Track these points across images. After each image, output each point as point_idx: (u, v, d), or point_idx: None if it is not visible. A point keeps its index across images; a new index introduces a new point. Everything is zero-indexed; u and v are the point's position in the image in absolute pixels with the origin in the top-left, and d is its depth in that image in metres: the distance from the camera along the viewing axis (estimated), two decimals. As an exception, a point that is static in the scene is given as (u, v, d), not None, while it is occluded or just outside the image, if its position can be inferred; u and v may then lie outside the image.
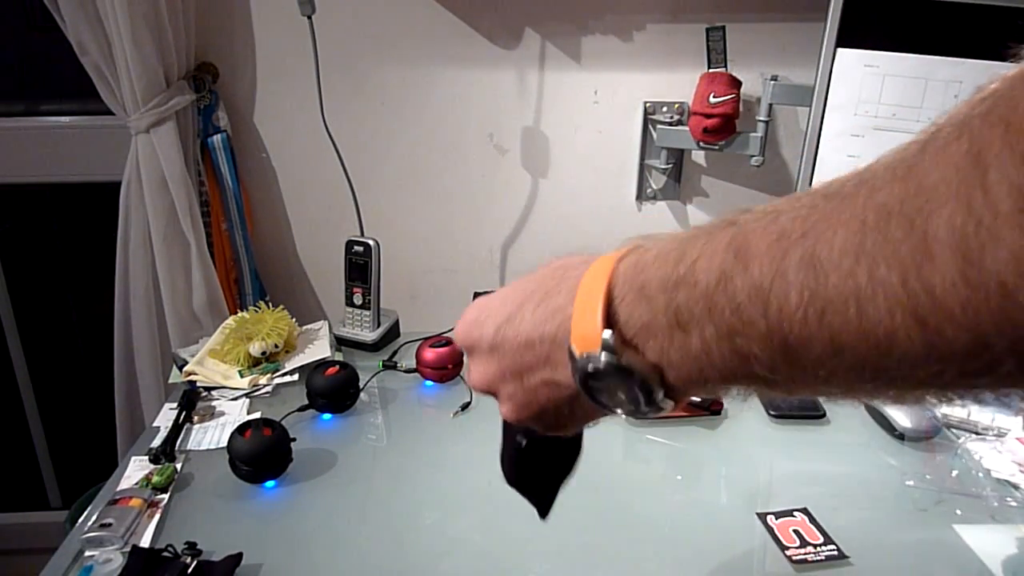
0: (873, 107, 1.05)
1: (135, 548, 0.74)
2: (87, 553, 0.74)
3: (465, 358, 0.51)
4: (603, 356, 0.33)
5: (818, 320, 0.27)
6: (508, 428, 0.49)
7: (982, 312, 0.23)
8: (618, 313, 0.33)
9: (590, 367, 0.34)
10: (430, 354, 1.07)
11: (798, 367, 0.29)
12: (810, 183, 1.10)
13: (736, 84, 1.17)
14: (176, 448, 0.91)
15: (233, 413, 1.00)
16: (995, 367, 0.24)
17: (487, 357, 0.41)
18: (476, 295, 1.12)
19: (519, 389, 0.40)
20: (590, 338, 0.33)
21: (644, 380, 0.33)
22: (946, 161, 0.24)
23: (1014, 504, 0.81)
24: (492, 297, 0.42)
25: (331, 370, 0.99)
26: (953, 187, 0.23)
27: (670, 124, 1.27)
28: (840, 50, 1.04)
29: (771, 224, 0.29)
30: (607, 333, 0.33)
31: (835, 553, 0.74)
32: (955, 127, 0.25)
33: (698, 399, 0.96)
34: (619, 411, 0.36)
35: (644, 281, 0.32)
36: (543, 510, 0.53)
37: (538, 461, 0.50)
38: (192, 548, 0.73)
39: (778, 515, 0.80)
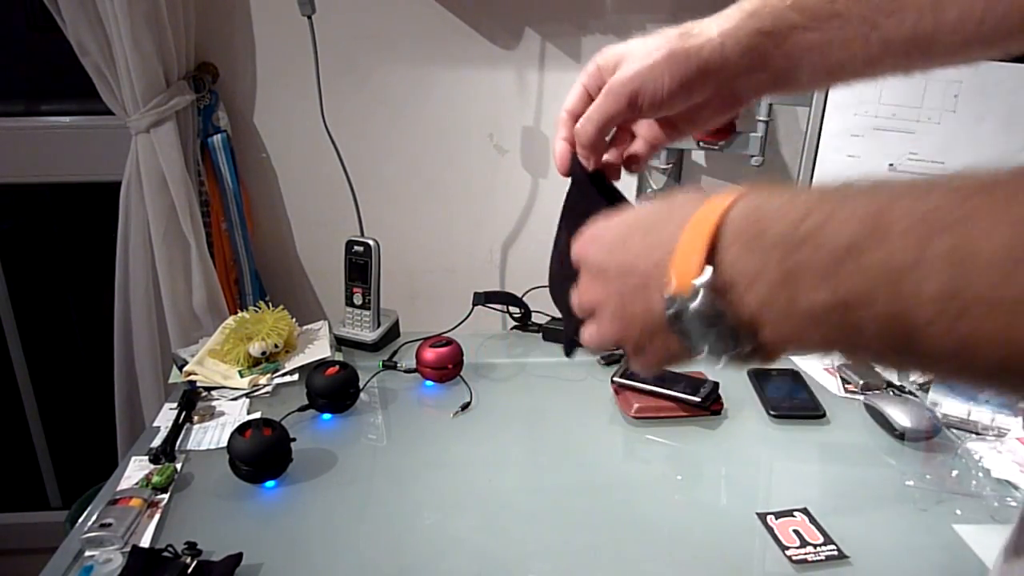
0: (873, 107, 1.05)
1: (135, 548, 0.74)
2: (87, 553, 0.74)
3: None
4: (699, 296, 0.33)
5: (955, 318, 0.25)
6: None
7: None
8: (723, 257, 0.32)
9: (683, 305, 0.33)
10: (430, 354, 1.07)
11: (913, 355, 0.28)
12: (810, 183, 1.10)
13: (736, 84, 1.17)
14: (176, 448, 0.91)
15: (233, 413, 1.00)
16: None
17: (592, 278, 0.42)
18: (477, 295, 1.12)
19: (617, 314, 0.40)
20: (688, 275, 0.33)
21: (735, 329, 0.32)
22: None
23: (1014, 504, 0.81)
24: (613, 220, 0.42)
25: (331, 370, 0.99)
26: None
27: (670, 124, 1.27)
28: (840, 50, 1.04)
29: (918, 201, 0.27)
30: (707, 273, 0.32)
31: (835, 553, 0.74)
32: None
33: (698, 399, 0.96)
34: (702, 354, 0.35)
35: (759, 231, 0.31)
36: (571, 344, 0.52)
37: None
38: (192, 548, 0.73)
39: (778, 515, 0.80)
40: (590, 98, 0.53)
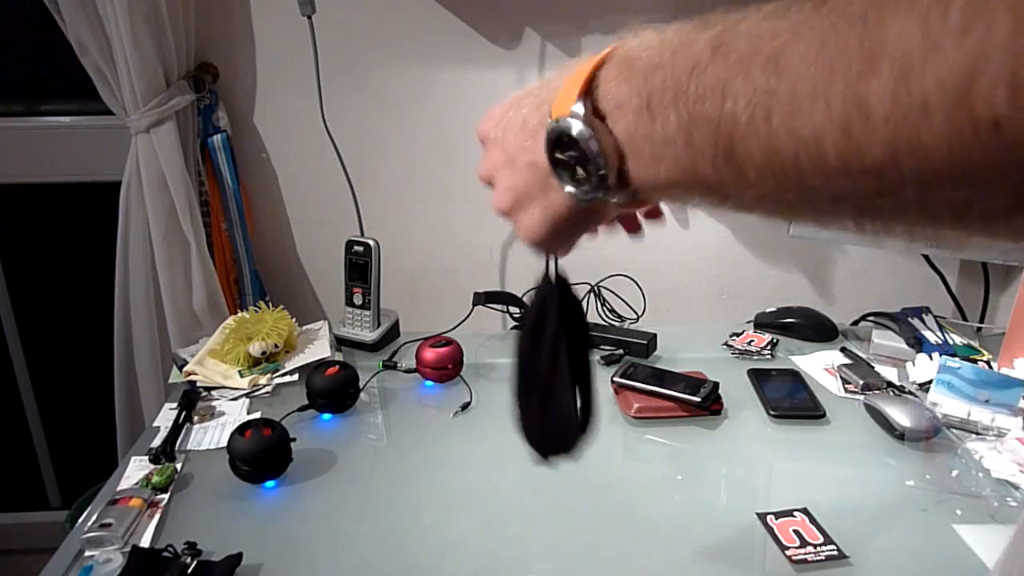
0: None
1: (135, 548, 0.74)
2: (87, 553, 0.74)
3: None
4: (571, 122, 0.34)
5: (763, 120, 0.27)
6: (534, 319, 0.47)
7: (899, 130, 0.24)
8: (598, 89, 0.34)
9: (558, 133, 0.35)
10: (430, 354, 1.07)
11: (736, 170, 0.30)
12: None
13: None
14: (176, 448, 0.91)
15: (233, 413, 1.00)
16: (898, 191, 0.25)
17: (490, 147, 0.44)
18: (477, 296, 1.11)
19: (509, 174, 0.42)
20: (565, 106, 0.35)
21: (603, 155, 0.34)
22: None
23: (1014, 504, 0.81)
24: (511, 98, 0.43)
25: (331, 370, 0.99)
26: None
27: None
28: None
29: (757, 24, 0.29)
30: (579, 103, 0.34)
31: (835, 553, 0.74)
32: None
33: (698, 399, 0.96)
34: (575, 192, 0.37)
35: (630, 62, 0.34)
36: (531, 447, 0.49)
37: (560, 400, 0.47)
38: (192, 548, 0.73)
39: (778, 515, 0.80)
40: None
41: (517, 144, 0.41)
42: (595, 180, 0.35)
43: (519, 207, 0.42)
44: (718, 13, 0.32)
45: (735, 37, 0.29)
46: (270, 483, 0.86)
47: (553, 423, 0.48)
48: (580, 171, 0.36)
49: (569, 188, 0.37)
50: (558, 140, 0.36)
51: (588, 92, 0.35)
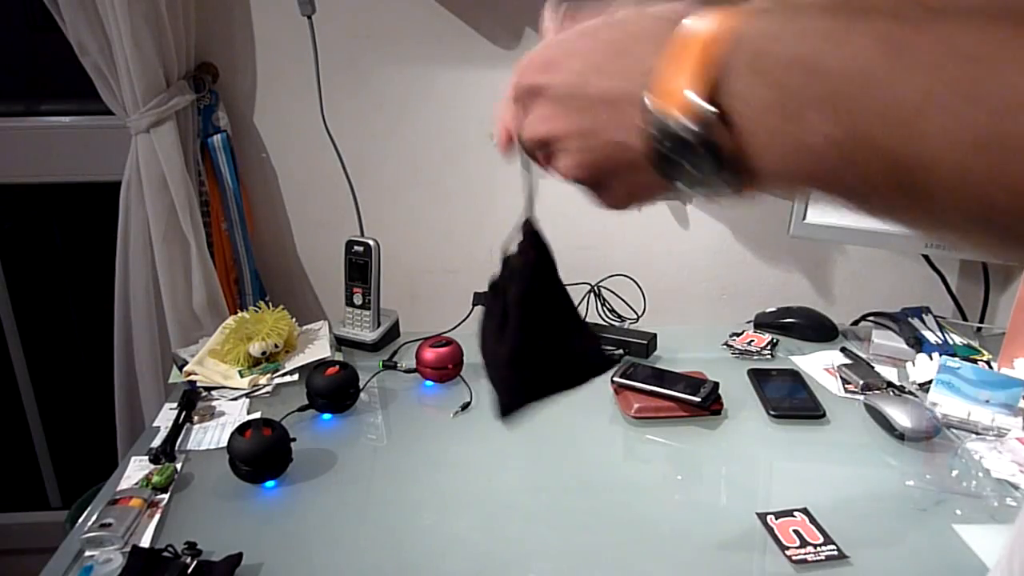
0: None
1: (135, 548, 0.74)
2: (87, 553, 0.74)
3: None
4: (687, 124, 0.29)
5: (975, 166, 0.23)
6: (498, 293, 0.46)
7: None
8: (718, 78, 0.29)
9: (669, 130, 0.30)
10: (430, 354, 1.07)
11: (909, 199, 0.26)
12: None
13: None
14: (176, 448, 0.91)
15: (233, 413, 1.00)
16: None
17: (553, 106, 0.37)
18: (477, 296, 1.11)
19: (582, 147, 0.36)
20: (678, 97, 0.29)
21: (724, 155, 0.30)
22: None
23: (1014, 504, 0.81)
24: (564, 40, 0.37)
25: (331, 370, 0.99)
26: None
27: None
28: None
29: (937, 25, 0.24)
30: (695, 96, 0.29)
31: (835, 553, 0.74)
32: None
33: (698, 399, 0.96)
34: (679, 186, 0.32)
35: (759, 51, 0.28)
36: (507, 405, 0.48)
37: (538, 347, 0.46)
38: (192, 548, 0.73)
39: (778, 515, 0.80)
40: None
41: (595, 120, 0.35)
42: (711, 182, 0.31)
43: (597, 184, 0.38)
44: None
45: (915, 41, 0.24)
46: (270, 483, 0.86)
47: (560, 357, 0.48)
48: (691, 169, 0.31)
49: (678, 184, 0.32)
50: (666, 136, 0.30)
51: (707, 81, 0.29)
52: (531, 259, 0.46)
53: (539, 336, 0.46)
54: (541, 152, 0.39)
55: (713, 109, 0.29)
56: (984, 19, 0.24)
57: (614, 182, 0.37)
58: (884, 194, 0.27)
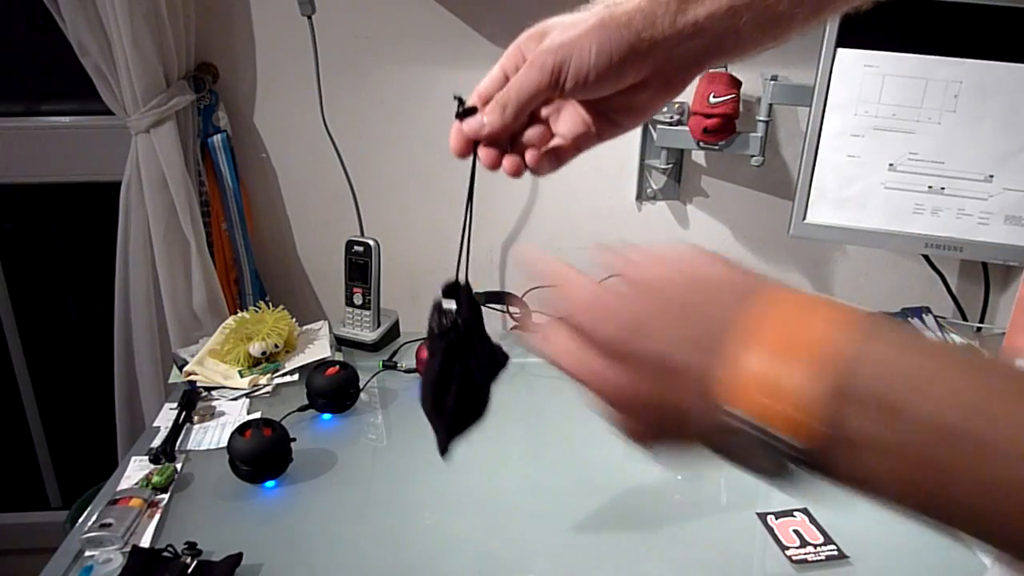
0: (873, 107, 1.05)
1: (135, 548, 0.74)
2: (87, 553, 0.74)
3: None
4: (792, 439, 0.28)
5: None
6: (447, 360, 0.50)
7: None
8: (838, 413, 0.28)
9: (758, 434, 0.29)
10: (430, 354, 1.07)
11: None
12: (810, 183, 1.10)
13: (736, 84, 1.17)
14: (176, 448, 0.91)
15: (233, 413, 1.00)
16: None
17: (638, 372, 0.34)
18: (477, 295, 1.11)
19: (658, 417, 0.35)
20: (793, 425, 0.28)
21: (815, 472, 0.29)
22: None
23: (1014, 504, 0.81)
24: (650, 302, 0.35)
25: (331, 370, 0.99)
26: None
27: (670, 124, 1.27)
28: (840, 50, 1.04)
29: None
30: (824, 434, 0.28)
31: (835, 553, 0.74)
32: None
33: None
34: (744, 467, 0.32)
35: (891, 404, 0.27)
36: (447, 445, 0.56)
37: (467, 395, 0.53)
38: (192, 548, 0.73)
39: (778, 515, 0.80)
40: (506, 81, 0.47)
41: (663, 383, 0.33)
42: (779, 474, 0.30)
43: (652, 438, 0.37)
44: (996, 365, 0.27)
45: None
46: (270, 483, 0.86)
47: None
48: (761, 462, 0.30)
49: (733, 463, 0.32)
50: (749, 437, 0.29)
51: (823, 398, 0.27)
52: (465, 321, 0.51)
53: (463, 384, 0.52)
54: (611, 407, 0.37)
55: (820, 430, 0.27)
56: None
57: (666, 439, 0.36)
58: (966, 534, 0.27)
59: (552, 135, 0.50)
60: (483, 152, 0.49)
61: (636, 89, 0.45)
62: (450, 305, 0.51)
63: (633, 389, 0.35)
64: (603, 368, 0.35)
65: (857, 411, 0.27)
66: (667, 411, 0.34)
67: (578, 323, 0.36)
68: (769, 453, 0.29)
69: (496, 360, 0.53)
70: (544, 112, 0.49)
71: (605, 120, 0.48)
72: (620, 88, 0.45)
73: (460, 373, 0.51)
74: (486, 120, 0.47)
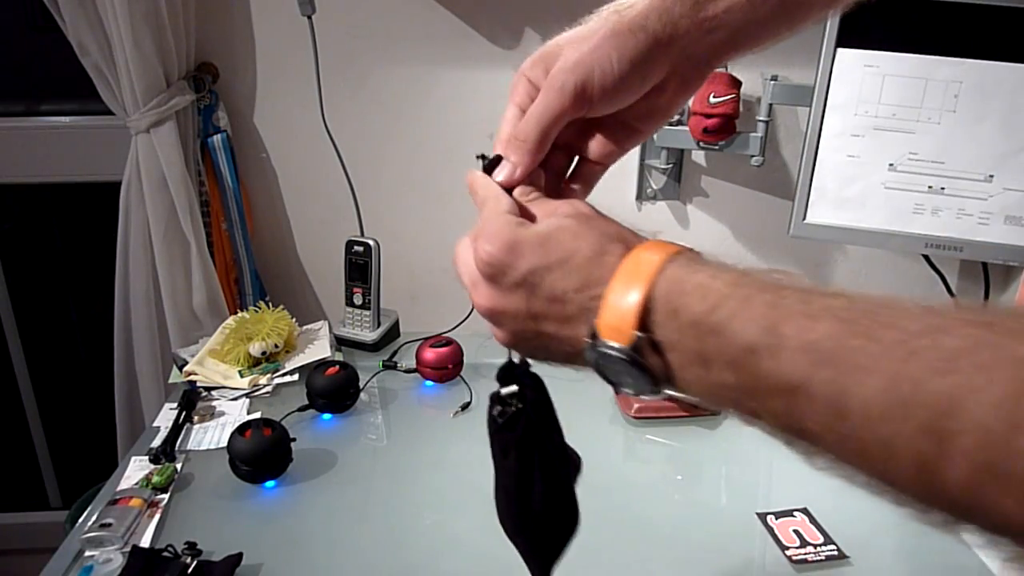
0: (873, 107, 1.05)
1: (135, 548, 0.74)
2: (87, 553, 0.74)
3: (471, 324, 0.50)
4: (627, 351, 0.35)
5: (836, 442, 0.29)
6: (523, 453, 0.45)
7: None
8: (651, 319, 0.35)
9: (609, 352, 0.35)
10: (430, 354, 1.07)
11: (803, 442, 0.31)
12: (810, 183, 1.10)
13: (736, 84, 1.17)
14: (176, 448, 0.91)
15: (233, 413, 1.00)
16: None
17: (512, 288, 0.40)
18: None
19: (531, 328, 0.40)
20: (619, 330, 0.35)
21: (655, 378, 0.35)
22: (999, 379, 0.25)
23: (1014, 504, 0.81)
24: (533, 230, 0.40)
25: (331, 370, 0.99)
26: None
27: (670, 124, 1.27)
28: (840, 50, 1.04)
29: (810, 321, 0.30)
30: (638, 335, 0.34)
31: (835, 553, 0.74)
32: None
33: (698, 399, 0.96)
34: (619, 387, 0.38)
35: (679, 306, 0.34)
36: (546, 567, 0.48)
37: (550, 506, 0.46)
38: (192, 548, 0.73)
39: (778, 515, 0.80)
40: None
41: (547, 311, 0.39)
42: (645, 390, 0.36)
43: (531, 354, 0.43)
44: (761, 275, 0.34)
45: (789, 335, 0.30)
46: (270, 483, 0.86)
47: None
48: (627, 378, 0.36)
49: (610, 382, 0.38)
50: (607, 356, 0.36)
51: (644, 322, 0.34)
52: (535, 401, 0.46)
53: (548, 482, 0.46)
54: (491, 320, 0.43)
55: (638, 339, 0.34)
56: (836, 321, 0.29)
57: (553, 357, 0.42)
58: (785, 436, 0.32)
59: (573, 159, 0.50)
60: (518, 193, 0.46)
61: (656, 92, 0.45)
62: (511, 389, 0.45)
63: (502, 304, 0.41)
64: (504, 296, 0.41)
65: (658, 318, 0.34)
66: (527, 329, 0.40)
67: (474, 236, 0.42)
68: (626, 368, 0.35)
69: (569, 458, 0.48)
70: (563, 138, 0.47)
71: (627, 130, 0.48)
72: (644, 91, 0.45)
73: (543, 470, 0.45)
74: (513, 160, 0.46)
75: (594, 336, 0.36)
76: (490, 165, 0.47)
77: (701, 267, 0.35)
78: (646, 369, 0.35)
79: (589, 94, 0.43)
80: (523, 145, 0.45)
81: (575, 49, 0.44)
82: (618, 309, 0.35)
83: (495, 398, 0.45)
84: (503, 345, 0.43)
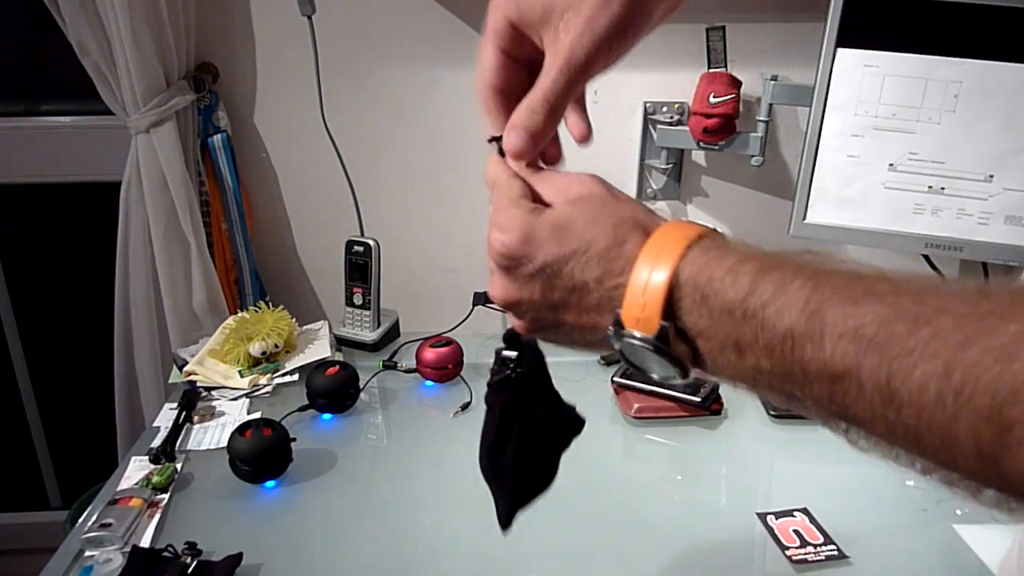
0: (873, 107, 1.05)
1: (135, 548, 0.74)
2: (87, 553, 0.75)
3: (482, 311, 0.49)
4: (652, 340, 0.34)
5: (886, 433, 0.29)
6: (505, 415, 0.47)
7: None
8: (678, 306, 0.34)
9: (634, 343, 0.35)
10: (430, 354, 1.07)
11: (848, 424, 0.32)
12: (810, 183, 1.10)
13: (736, 84, 1.17)
14: (176, 448, 0.91)
15: (233, 413, 1.00)
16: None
17: (529, 279, 0.40)
18: (477, 295, 1.11)
19: (549, 318, 0.40)
20: (644, 321, 0.34)
21: (684, 366, 0.35)
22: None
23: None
24: (547, 219, 0.39)
25: (331, 370, 0.99)
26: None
27: (670, 124, 1.27)
28: (840, 50, 1.04)
29: (852, 309, 0.29)
30: (663, 324, 0.34)
31: (835, 553, 0.74)
32: None
33: (698, 399, 0.96)
34: (647, 372, 0.37)
35: (709, 292, 0.33)
36: (508, 516, 0.50)
37: (528, 454, 0.48)
38: (192, 548, 0.73)
39: (778, 515, 0.80)
40: (512, 63, 0.43)
41: (568, 300, 0.39)
42: (672, 376, 0.36)
43: (554, 341, 0.42)
44: (796, 257, 0.33)
45: (831, 321, 0.30)
46: (270, 483, 0.86)
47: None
48: (653, 365, 0.36)
49: (636, 368, 0.38)
50: (632, 347, 0.35)
51: (670, 310, 0.34)
52: (527, 373, 0.47)
53: (522, 447, 0.48)
54: (509, 311, 0.43)
55: (664, 329, 0.34)
56: (880, 304, 0.29)
57: (576, 344, 0.41)
58: (818, 411, 0.33)
59: None
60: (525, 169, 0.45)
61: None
62: (511, 354, 0.46)
63: (518, 294, 0.40)
64: (523, 286, 0.40)
65: (685, 305, 0.34)
66: (546, 319, 0.40)
67: (491, 226, 0.41)
68: (653, 356, 0.35)
69: (567, 424, 0.49)
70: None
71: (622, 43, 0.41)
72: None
73: (520, 434, 0.47)
74: (539, 121, 0.42)
75: (619, 325, 0.35)
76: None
77: (727, 250, 0.34)
78: (674, 356, 0.34)
79: (615, 59, 0.41)
80: (533, 118, 0.42)
81: (595, 13, 0.38)
82: (641, 298, 0.34)
83: (498, 354, 0.47)
84: (523, 333, 0.43)
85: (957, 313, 0.27)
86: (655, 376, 0.37)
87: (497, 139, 0.45)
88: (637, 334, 0.35)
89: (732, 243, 0.35)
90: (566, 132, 0.47)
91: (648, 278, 0.34)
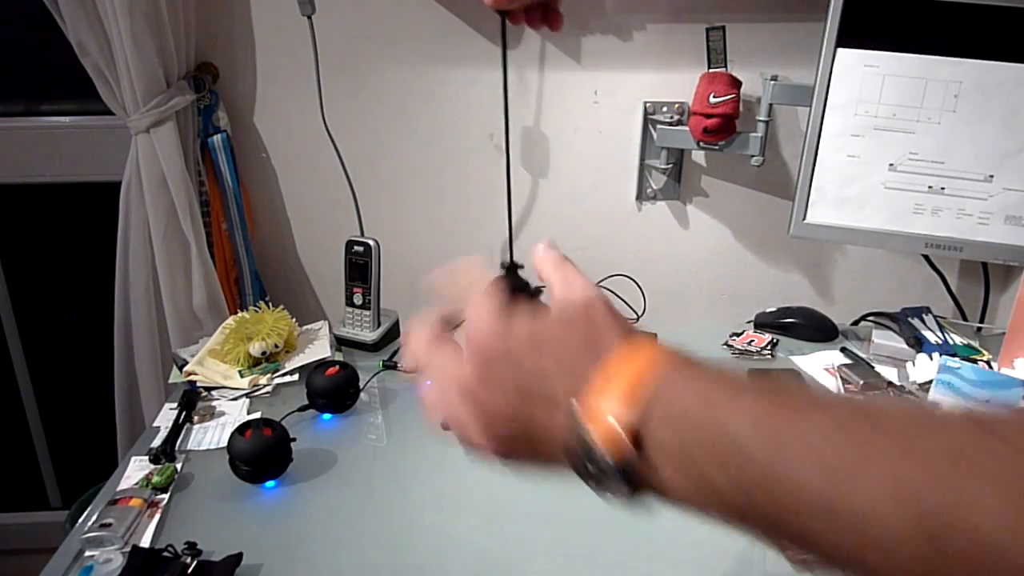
0: (873, 107, 1.05)
1: (135, 548, 0.74)
2: (87, 553, 0.75)
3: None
4: (615, 463, 0.34)
5: (845, 560, 0.30)
6: None
7: None
8: (644, 430, 0.33)
9: (589, 453, 0.34)
10: (430, 354, 1.07)
11: (788, 541, 0.32)
12: (810, 183, 1.10)
13: (736, 84, 1.17)
14: (176, 448, 0.91)
15: (233, 413, 1.00)
16: None
17: (491, 385, 0.40)
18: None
19: (506, 428, 0.41)
20: (611, 440, 0.33)
21: (643, 490, 0.35)
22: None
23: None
24: (516, 329, 0.39)
25: (331, 370, 0.99)
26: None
27: (670, 124, 1.27)
28: (840, 50, 1.04)
29: (813, 428, 0.29)
30: (632, 451, 0.33)
31: (835, 553, 0.74)
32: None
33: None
34: (593, 487, 0.37)
35: (676, 412, 0.33)
36: None
37: None
38: (192, 548, 0.73)
39: (778, 515, 0.80)
40: None
41: (528, 396, 0.38)
42: (625, 498, 0.36)
43: (506, 454, 0.43)
44: (747, 379, 0.33)
45: (796, 443, 0.30)
46: (270, 483, 0.86)
47: None
48: (609, 485, 0.36)
49: (587, 482, 0.37)
50: (591, 463, 0.35)
51: (630, 419, 0.33)
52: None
53: None
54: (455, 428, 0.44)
55: (630, 455, 0.33)
56: (834, 426, 0.29)
57: (521, 457, 0.42)
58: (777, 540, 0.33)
59: None
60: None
61: None
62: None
63: (493, 409, 0.41)
64: (486, 389, 0.41)
65: (651, 431, 0.33)
66: (520, 434, 0.40)
67: (480, 351, 0.41)
68: (613, 480, 0.35)
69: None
70: None
71: None
72: None
73: None
74: None
75: (584, 444, 0.35)
76: (511, 270, 0.47)
77: (685, 371, 0.34)
78: (636, 484, 0.35)
79: None
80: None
81: None
82: (606, 420, 0.34)
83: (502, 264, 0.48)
84: (476, 447, 0.45)
85: (903, 433, 0.29)
86: (598, 490, 0.37)
87: (511, 267, 0.47)
88: (604, 452, 0.34)
89: (682, 371, 0.34)
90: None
91: (614, 389, 0.34)
